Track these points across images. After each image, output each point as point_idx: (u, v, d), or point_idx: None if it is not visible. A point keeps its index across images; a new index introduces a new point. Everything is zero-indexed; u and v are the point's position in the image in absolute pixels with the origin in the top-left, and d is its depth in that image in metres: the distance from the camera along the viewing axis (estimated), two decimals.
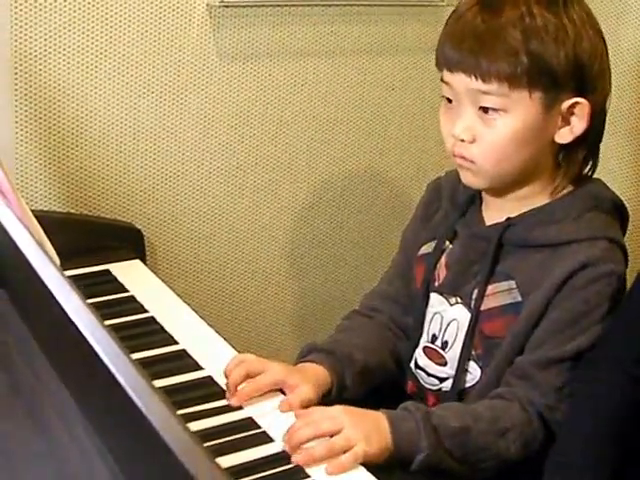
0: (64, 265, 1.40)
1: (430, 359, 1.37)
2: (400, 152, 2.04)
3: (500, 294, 1.28)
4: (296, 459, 1.09)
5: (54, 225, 1.50)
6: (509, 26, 1.21)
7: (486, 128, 1.24)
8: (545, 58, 1.21)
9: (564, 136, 1.26)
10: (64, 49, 1.59)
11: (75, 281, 1.46)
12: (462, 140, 1.25)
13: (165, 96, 1.71)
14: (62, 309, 0.68)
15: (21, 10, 1.53)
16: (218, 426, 1.15)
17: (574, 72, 1.22)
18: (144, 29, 1.65)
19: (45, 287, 0.70)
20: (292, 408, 1.19)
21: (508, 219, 1.30)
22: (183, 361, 1.30)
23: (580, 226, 1.26)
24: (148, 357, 1.30)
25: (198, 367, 1.29)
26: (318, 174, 1.95)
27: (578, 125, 1.25)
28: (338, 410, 1.16)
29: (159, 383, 1.23)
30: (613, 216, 1.31)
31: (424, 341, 1.39)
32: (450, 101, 1.28)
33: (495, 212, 1.34)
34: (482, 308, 1.29)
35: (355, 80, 1.93)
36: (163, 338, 1.36)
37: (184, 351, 1.33)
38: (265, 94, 1.83)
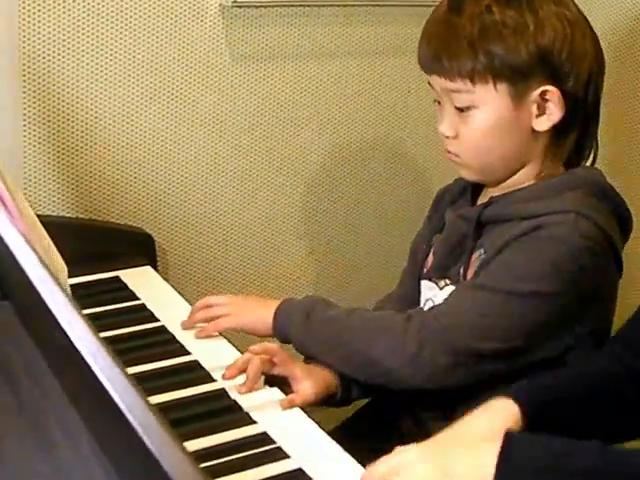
0: (73, 272, 1.41)
1: None
2: (416, 156, 2.01)
3: (475, 261, 1.31)
4: None
5: (62, 230, 1.48)
6: (467, 24, 1.25)
7: (463, 125, 1.28)
8: (504, 52, 1.24)
9: (541, 124, 1.28)
10: (73, 50, 1.58)
11: (84, 288, 1.50)
12: (447, 137, 1.31)
13: (176, 98, 1.70)
14: (65, 333, 0.64)
15: (29, 11, 1.53)
16: (231, 441, 1.12)
17: (539, 61, 1.25)
18: (155, 30, 1.65)
19: (48, 309, 0.66)
20: (293, 406, 1.22)
21: (491, 198, 1.33)
22: (195, 373, 1.27)
23: (555, 202, 1.27)
24: (158, 368, 1.27)
25: (210, 379, 1.26)
26: (333, 177, 1.94)
27: (554, 112, 1.27)
28: None
29: (169, 396, 1.20)
30: (600, 200, 1.30)
31: None
32: (439, 103, 1.33)
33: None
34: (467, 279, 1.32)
35: (370, 82, 1.92)
36: (174, 348, 1.33)
37: (196, 362, 1.30)
38: (278, 96, 1.82)
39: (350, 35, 1.86)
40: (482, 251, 1.30)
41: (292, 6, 1.77)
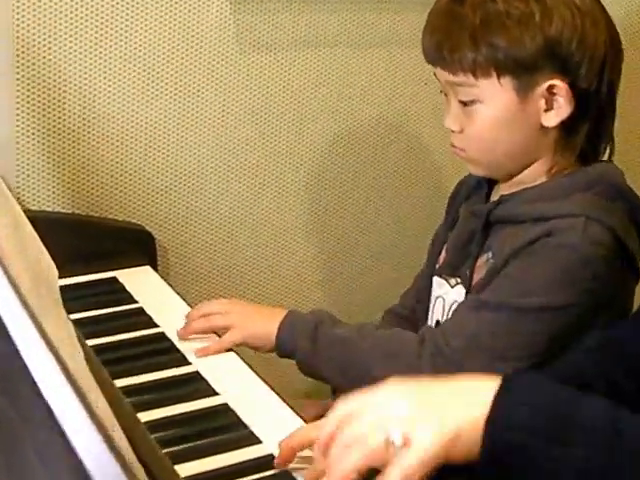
0: (67, 271, 1.38)
1: None
2: (433, 151, 1.97)
3: (483, 266, 1.30)
4: None
5: (57, 227, 1.52)
6: (469, 13, 1.23)
7: (468, 119, 1.27)
8: (507, 44, 1.22)
9: (550, 119, 1.26)
10: (69, 37, 1.54)
11: (78, 290, 1.44)
12: (453, 131, 1.30)
13: (179, 88, 1.67)
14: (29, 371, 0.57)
15: None
16: (237, 464, 1.04)
17: (546, 54, 1.23)
18: (157, 16, 1.61)
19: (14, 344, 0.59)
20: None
21: (501, 196, 1.32)
22: (196, 385, 1.21)
23: (564, 204, 1.26)
24: (156, 380, 1.21)
25: (213, 392, 1.19)
26: (344, 173, 1.89)
27: (563, 107, 1.25)
28: None
29: (166, 411, 1.14)
30: (613, 201, 1.28)
31: None
32: (446, 95, 1.32)
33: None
34: (473, 283, 1.31)
35: (385, 73, 1.88)
36: (174, 358, 1.27)
37: (197, 373, 1.24)
38: (288, 87, 1.78)
39: (363, 24, 1.81)
40: (490, 255, 1.29)
41: None
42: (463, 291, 1.32)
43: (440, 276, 1.38)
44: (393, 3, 1.83)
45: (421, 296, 1.45)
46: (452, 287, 1.36)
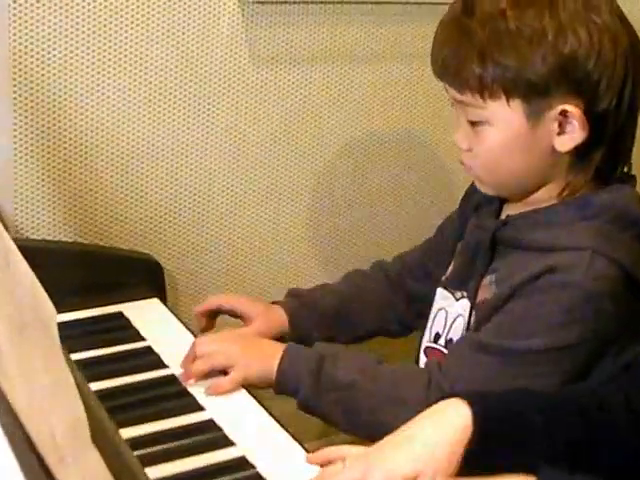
0: (68, 307, 1.35)
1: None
2: (453, 167, 1.89)
3: (487, 287, 1.29)
4: None
5: (58, 257, 1.49)
6: (478, 28, 1.20)
7: (476, 139, 1.26)
8: (516, 64, 1.19)
9: (564, 144, 1.22)
10: (70, 55, 1.52)
11: (80, 326, 1.37)
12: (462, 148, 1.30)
13: (189, 106, 1.64)
14: None
15: (20, 8, 1.46)
16: None
17: (560, 75, 1.19)
18: (165, 28, 1.58)
19: None
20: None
21: (507, 216, 1.31)
22: (210, 434, 1.13)
23: (570, 235, 1.23)
24: (166, 430, 1.12)
25: (228, 442, 1.11)
26: (365, 195, 1.86)
27: (578, 132, 1.21)
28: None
29: (180, 465, 1.05)
30: (622, 230, 1.25)
31: (426, 341, 1.40)
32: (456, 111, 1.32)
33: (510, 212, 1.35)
34: (477, 300, 1.31)
35: (406, 89, 1.86)
36: (185, 403, 1.19)
37: (211, 421, 1.16)
38: (303, 104, 1.76)
39: (384, 36, 1.79)
40: (494, 278, 1.28)
41: (320, 3, 1.71)
42: (468, 305, 1.31)
43: (445, 288, 1.38)
44: (414, 15, 1.81)
45: (415, 275, 1.49)
46: (457, 300, 1.34)
